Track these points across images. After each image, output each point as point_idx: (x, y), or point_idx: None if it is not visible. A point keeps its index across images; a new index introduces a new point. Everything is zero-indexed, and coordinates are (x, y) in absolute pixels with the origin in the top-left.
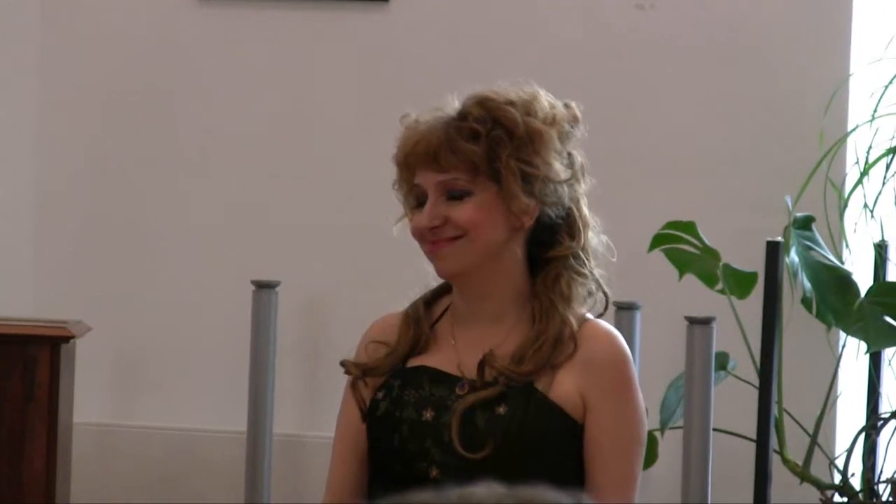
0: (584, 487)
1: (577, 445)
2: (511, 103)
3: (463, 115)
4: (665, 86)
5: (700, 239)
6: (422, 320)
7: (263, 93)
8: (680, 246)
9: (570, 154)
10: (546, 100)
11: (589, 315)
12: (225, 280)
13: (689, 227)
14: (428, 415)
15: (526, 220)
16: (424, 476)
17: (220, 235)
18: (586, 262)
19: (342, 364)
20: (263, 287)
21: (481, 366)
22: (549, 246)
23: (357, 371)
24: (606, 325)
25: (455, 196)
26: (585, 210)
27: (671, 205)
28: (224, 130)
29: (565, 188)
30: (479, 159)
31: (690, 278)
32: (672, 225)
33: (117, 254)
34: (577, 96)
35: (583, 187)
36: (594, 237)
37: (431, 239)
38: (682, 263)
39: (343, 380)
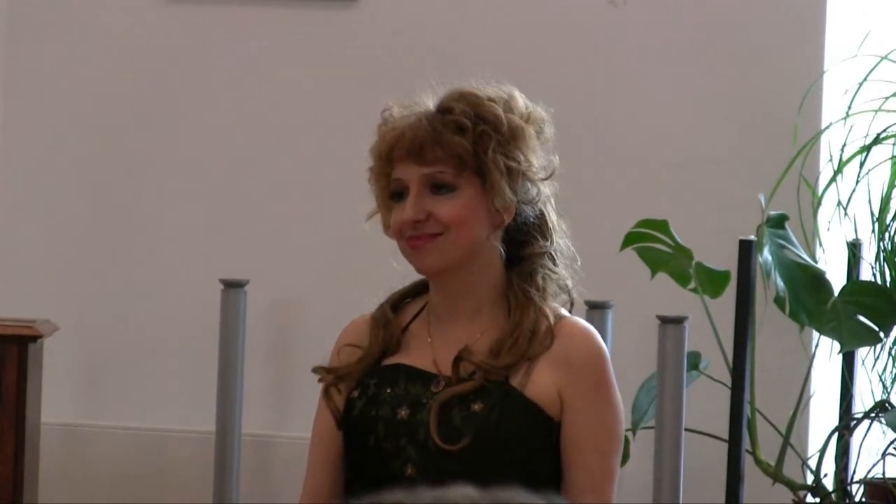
0: (560, 484)
1: (553, 442)
2: (492, 99)
3: (446, 109)
4: (637, 83)
5: (672, 237)
6: (391, 323)
7: (231, 91)
8: (652, 244)
9: (545, 154)
10: (521, 98)
11: (564, 311)
12: (193, 279)
13: (662, 226)
14: (403, 413)
15: (507, 216)
16: (400, 474)
17: (188, 234)
18: (557, 263)
19: (315, 371)
20: (232, 286)
21: (457, 361)
22: (522, 245)
23: (330, 377)
24: (583, 322)
25: (438, 190)
26: (553, 214)
27: (643, 203)
28: (192, 129)
29: (539, 187)
30: (466, 153)
31: (662, 277)
32: (644, 223)
33: (84, 252)
34: (549, 93)
35: (550, 189)
36: (561, 241)
37: (412, 234)
38: (655, 262)
39: (313, 379)
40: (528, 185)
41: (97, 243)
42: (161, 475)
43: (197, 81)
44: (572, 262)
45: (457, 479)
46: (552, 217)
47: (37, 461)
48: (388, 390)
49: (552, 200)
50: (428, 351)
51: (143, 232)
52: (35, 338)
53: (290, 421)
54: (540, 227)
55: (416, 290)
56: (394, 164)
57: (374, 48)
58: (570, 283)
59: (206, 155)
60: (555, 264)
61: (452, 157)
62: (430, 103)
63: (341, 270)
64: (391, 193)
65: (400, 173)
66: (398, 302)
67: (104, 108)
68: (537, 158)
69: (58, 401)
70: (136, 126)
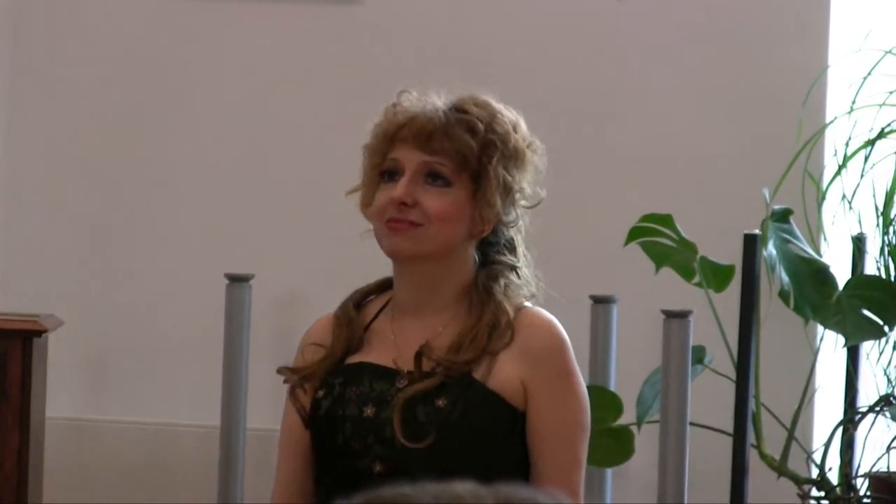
0: (527, 475)
1: (518, 433)
2: (503, 115)
3: (462, 109)
4: (641, 79)
5: (677, 232)
6: (353, 321)
7: (236, 88)
8: (657, 239)
9: (535, 184)
10: (524, 126)
11: (527, 303)
12: (198, 273)
13: (666, 220)
14: (369, 411)
15: (486, 228)
16: (368, 472)
17: (193, 229)
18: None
19: (279, 371)
20: (237, 280)
21: (418, 357)
22: (491, 256)
23: (294, 377)
24: (544, 312)
25: (433, 181)
26: (522, 244)
27: (648, 197)
28: (198, 126)
29: (519, 213)
30: (471, 154)
31: (667, 271)
32: (649, 218)
33: (89, 247)
34: (553, 90)
35: (524, 221)
36: (527, 269)
37: (394, 216)
38: (659, 257)
39: None
40: (512, 207)
41: (102, 238)
42: (166, 470)
43: (201, 78)
44: (534, 289)
45: (424, 475)
46: (521, 245)
47: (41, 456)
48: (354, 389)
49: (522, 232)
50: (391, 348)
51: (147, 227)
52: (40, 332)
53: None
54: (509, 249)
55: (380, 288)
56: (395, 145)
57: (378, 45)
58: (533, 289)
59: (212, 150)
60: (518, 278)
61: (457, 153)
62: (440, 102)
63: (346, 265)
64: (382, 171)
65: (399, 154)
66: (361, 300)
67: (108, 105)
68: (528, 185)
69: (62, 395)
70: (142, 122)
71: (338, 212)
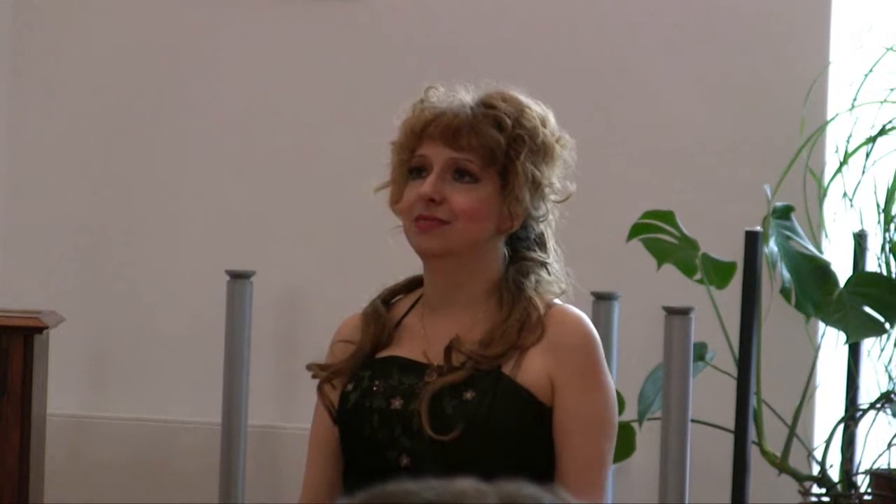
0: (553, 470)
1: (545, 428)
2: (532, 110)
3: (490, 105)
4: (644, 75)
5: (679, 228)
6: (382, 317)
7: (237, 83)
8: (658, 236)
9: (564, 178)
10: (553, 120)
11: (556, 300)
12: (199, 270)
13: (668, 217)
14: (396, 403)
15: (515, 223)
16: (395, 465)
17: (195, 225)
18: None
19: (308, 368)
20: (238, 277)
21: (448, 351)
22: (521, 252)
23: (323, 374)
24: (574, 308)
25: (461, 177)
26: (552, 238)
27: (650, 194)
28: (199, 121)
29: (548, 207)
30: (499, 149)
31: (669, 268)
32: (650, 214)
33: (90, 244)
34: (555, 85)
35: (555, 214)
36: (557, 264)
37: (422, 213)
38: (661, 253)
39: None
40: (542, 201)
41: (103, 235)
42: (167, 466)
43: (202, 73)
44: (565, 285)
45: (451, 468)
46: (551, 240)
47: (43, 452)
48: (382, 382)
49: (552, 226)
50: (421, 342)
51: (149, 223)
52: (41, 329)
53: (296, 412)
54: (539, 244)
55: (408, 287)
56: (422, 141)
57: (382, 40)
58: (564, 285)
59: (212, 148)
60: (549, 275)
61: (484, 149)
62: (468, 97)
63: (347, 262)
64: (410, 168)
65: (427, 150)
66: (389, 298)
67: (108, 102)
68: (557, 179)
69: (64, 392)
70: (141, 120)
71: (339, 208)
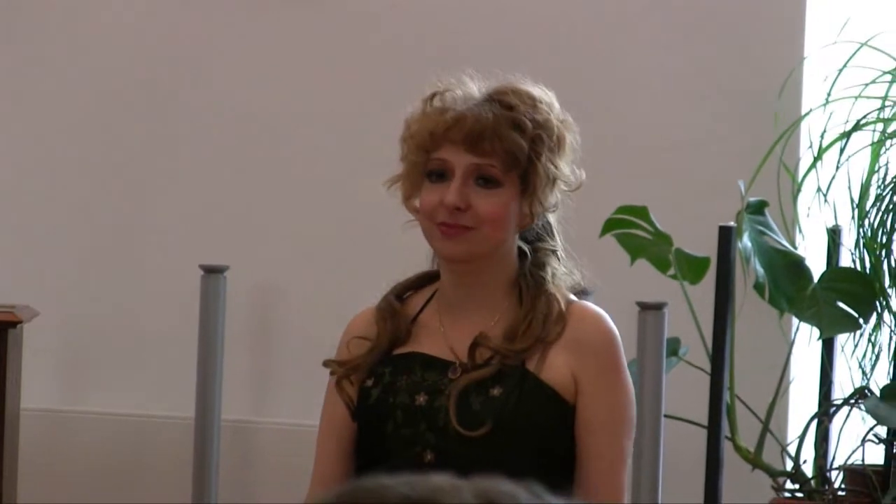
0: (572, 467)
1: (568, 426)
2: (542, 102)
3: (507, 104)
4: (617, 69)
5: (652, 224)
6: (398, 313)
7: (210, 79)
8: (632, 231)
9: (574, 164)
10: (558, 104)
11: (573, 297)
12: (173, 265)
13: (642, 212)
14: (421, 399)
15: (535, 220)
16: (419, 461)
17: (169, 220)
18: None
19: (325, 364)
20: (212, 272)
21: (473, 348)
22: (532, 242)
23: (341, 370)
24: (594, 306)
25: (484, 183)
26: (555, 221)
27: (623, 189)
28: (172, 117)
29: (559, 197)
30: (522, 153)
31: (642, 263)
32: (624, 209)
33: (64, 238)
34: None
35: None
36: (563, 252)
37: (447, 220)
38: (634, 248)
39: (292, 365)
40: (555, 193)
41: (77, 229)
42: (141, 460)
43: (176, 68)
44: (578, 276)
45: (476, 465)
46: (554, 224)
47: (16, 446)
48: (405, 378)
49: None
50: (441, 339)
51: (123, 217)
52: (15, 323)
53: (270, 407)
54: (547, 232)
55: (419, 283)
56: (442, 145)
57: (361, 38)
58: (577, 276)
59: (186, 141)
60: (559, 262)
61: (507, 153)
62: (474, 89)
63: (321, 257)
64: (429, 171)
65: (447, 155)
66: (401, 294)
67: (81, 97)
68: (567, 167)
69: (38, 386)
70: (115, 115)
71: (315, 203)
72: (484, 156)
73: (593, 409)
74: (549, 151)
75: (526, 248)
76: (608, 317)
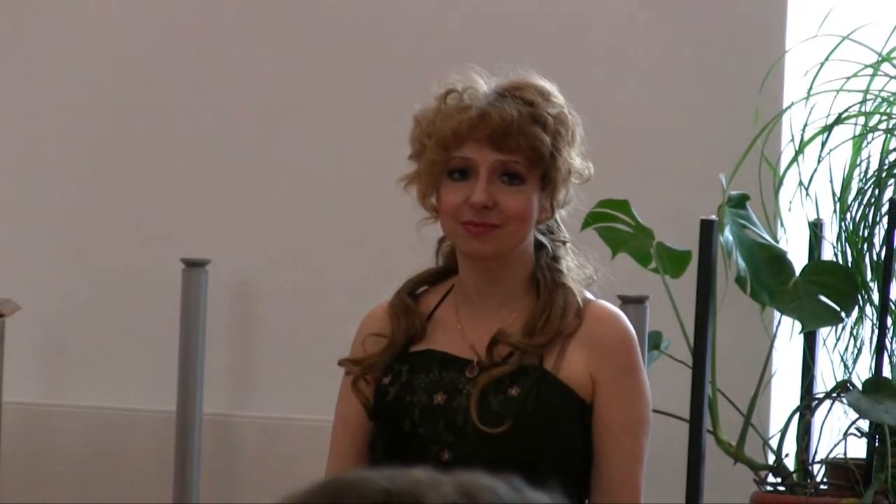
0: (588, 465)
1: (585, 425)
2: (554, 95)
3: (528, 101)
4: (598, 62)
5: (633, 217)
6: (412, 310)
7: (191, 72)
8: (613, 225)
9: (580, 155)
10: (560, 94)
11: (589, 294)
12: (154, 258)
13: (623, 206)
14: (440, 398)
15: (554, 215)
16: (436, 459)
17: (150, 213)
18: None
19: (341, 364)
20: (193, 265)
21: (491, 346)
22: (544, 234)
23: (357, 369)
24: (611, 305)
25: (509, 180)
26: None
27: (604, 183)
28: (153, 110)
29: (571, 190)
30: (546, 150)
31: (623, 257)
32: (605, 203)
33: (46, 232)
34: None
35: None
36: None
37: (474, 219)
38: (616, 242)
39: (274, 360)
40: (568, 185)
41: (58, 223)
42: (122, 454)
43: (159, 62)
44: (591, 269)
45: (493, 463)
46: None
47: None
48: (422, 376)
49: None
50: (458, 337)
51: (104, 211)
52: None
53: (251, 400)
54: (556, 222)
55: (432, 279)
56: (465, 143)
57: (336, 29)
58: (590, 269)
59: (168, 135)
60: (568, 254)
61: (531, 150)
62: (485, 85)
63: (303, 251)
64: (450, 170)
65: (471, 153)
66: (413, 290)
67: (63, 92)
68: (577, 158)
69: (19, 380)
70: (97, 109)
71: (296, 197)
72: (509, 153)
73: (611, 408)
74: (567, 146)
75: (545, 240)
76: (623, 315)
